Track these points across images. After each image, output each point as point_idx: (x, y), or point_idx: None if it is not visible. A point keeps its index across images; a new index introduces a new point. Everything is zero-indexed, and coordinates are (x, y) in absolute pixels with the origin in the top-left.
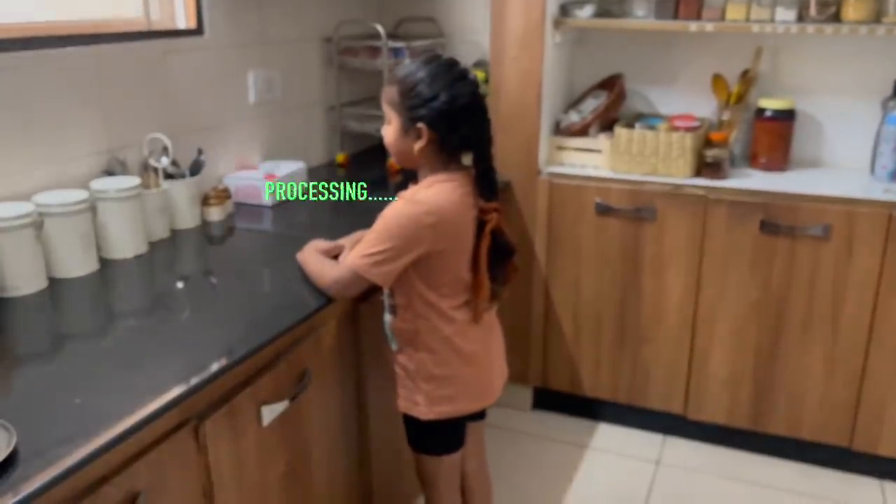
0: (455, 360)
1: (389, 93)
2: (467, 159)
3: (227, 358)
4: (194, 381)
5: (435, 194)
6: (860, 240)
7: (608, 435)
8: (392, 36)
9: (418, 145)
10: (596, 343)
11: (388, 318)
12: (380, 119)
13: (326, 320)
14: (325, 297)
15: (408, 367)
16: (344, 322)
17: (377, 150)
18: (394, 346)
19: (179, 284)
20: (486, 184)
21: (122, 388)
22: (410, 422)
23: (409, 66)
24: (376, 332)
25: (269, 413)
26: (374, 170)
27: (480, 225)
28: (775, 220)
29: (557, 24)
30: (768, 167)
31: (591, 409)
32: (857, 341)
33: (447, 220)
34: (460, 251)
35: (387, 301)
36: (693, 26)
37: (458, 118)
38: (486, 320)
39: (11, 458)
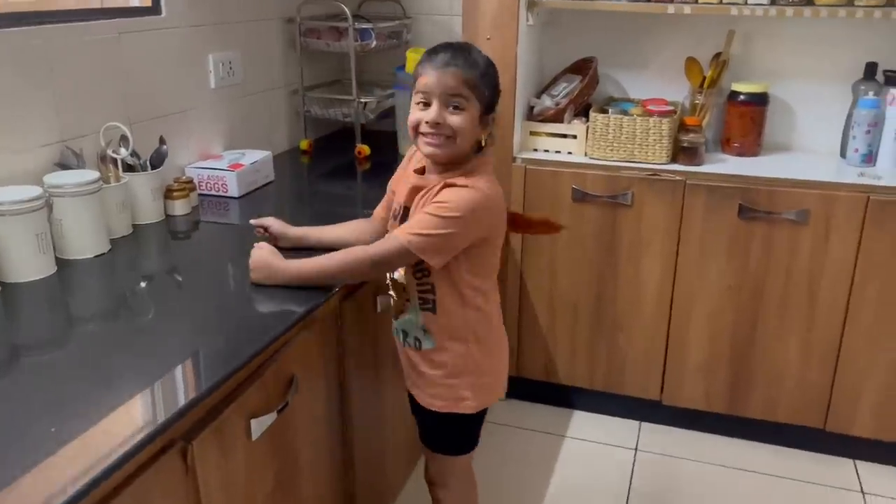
0: (498, 347)
1: (469, 75)
2: None
3: (217, 371)
4: (184, 399)
5: (488, 183)
6: (837, 224)
7: (584, 423)
8: (355, 17)
9: (485, 135)
10: (571, 331)
11: (415, 317)
12: (343, 103)
13: (311, 323)
14: (303, 305)
15: (449, 363)
16: (328, 324)
17: (341, 135)
18: (428, 346)
19: (149, 288)
20: None
21: (100, 410)
22: (441, 421)
23: (479, 53)
24: (358, 332)
25: (259, 426)
26: (341, 156)
27: None
28: (753, 205)
29: (531, 5)
30: (741, 152)
31: (566, 397)
32: (832, 324)
33: (499, 206)
34: (503, 237)
35: (416, 300)
36: (671, 8)
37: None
38: None
39: None
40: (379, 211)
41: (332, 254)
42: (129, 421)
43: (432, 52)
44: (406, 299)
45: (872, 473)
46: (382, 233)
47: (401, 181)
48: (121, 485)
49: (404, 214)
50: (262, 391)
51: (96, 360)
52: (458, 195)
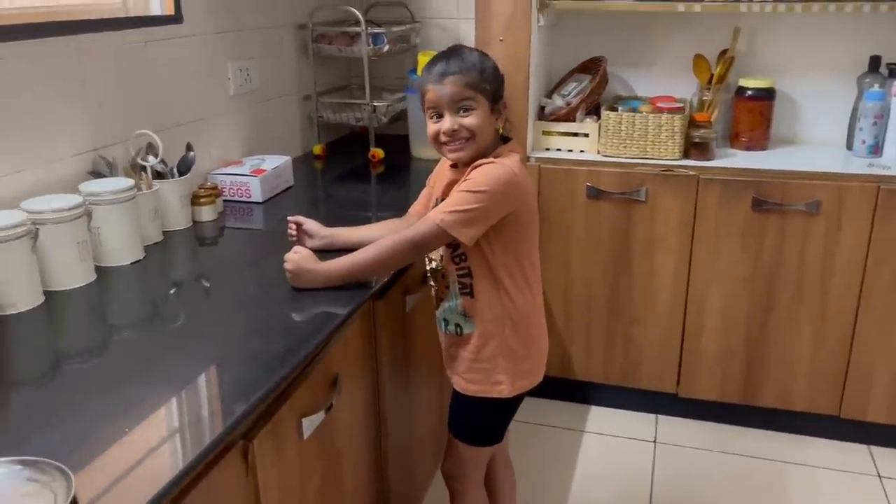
0: (535, 334)
1: (468, 78)
2: None
3: (273, 371)
4: (246, 399)
5: (516, 164)
6: (849, 213)
7: (601, 418)
8: (366, 22)
9: (501, 122)
10: (587, 327)
11: (455, 303)
12: (355, 108)
13: (351, 320)
14: (350, 302)
15: (485, 346)
16: (364, 323)
17: (353, 139)
18: (469, 330)
19: (189, 293)
20: None
21: (168, 412)
22: (475, 407)
23: (470, 53)
24: (390, 331)
25: (310, 425)
26: (354, 160)
27: None
28: (766, 198)
29: (542, 6)
30: (750, 146)
31: (582, 393)
32: (845, 312)
33: (526, 186)
34: (536, 221)
35: (455, 285)
36: (681, 6)
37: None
38: None
39: None
40: (416, 207)
41: (369, 246)
42: (197, 421)
43: (429, 66)
44: (446, 286)
45: (888, 458)
46: None
47: (438, 176)
48: (191, 483)
49: None
50: (310, 391)
51: (153, 364)
52: (484, 171)
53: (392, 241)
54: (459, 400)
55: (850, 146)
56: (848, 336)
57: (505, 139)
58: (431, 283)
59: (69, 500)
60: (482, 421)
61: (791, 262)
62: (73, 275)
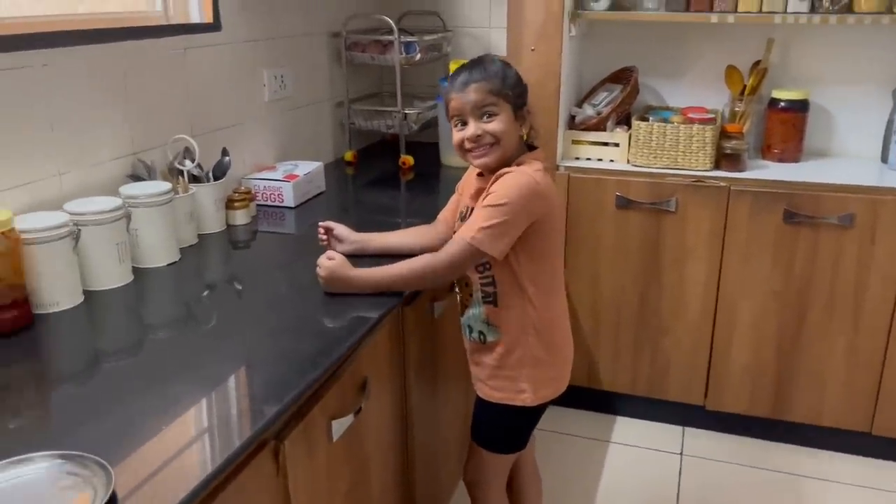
0: (559, 343)
1: (491, 85)
2: None
3: (305, 373)
4: (279, 400)
5: (537, 171)
6: (883, 227)
7: (628, 428)
8: (398, 30)
9: (525, 129)
10: (615, 337)
11: (478, 310)
12: (386, 115)
13: (380, 327)
14: (381, 306)
15: (509, 354)
16: (394, 326)
17: (383, 146)
18: (492, 338)
19: (223, 295)
20: None
21: (201, 411)
22: (498, 414)
23: (492, 62)
24: (418, 336)
25: (339, 427)
26: (385, 167)
27: None
28: (798, 210)
29: (574, 16)
30: (783, 158)
31: (609, 403)
32: (879, 326)
33: (549, 194)
34: (561, 228)
35: (479, 293)
36: (714, 18)
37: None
38: None
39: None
40: (445, 213)
41: (405, 262)
42: (230, 421)
43: (453, 76)
44: (469, 294)
45: None
46: (446, 235)
47: (466, 184)
48: (223, 482)
49: (471, 215)
50: (340, 393)
51: (188, 364)
52: (504, 183)
53: (428, 261)
54: (483, 406)
55: (884, 159)
56: (881, 351)
57: (531, 147)
58: (456, 290)
59: (108, 494)
60: (505, 428)
61: (823, 275)
62: (112, 275)
